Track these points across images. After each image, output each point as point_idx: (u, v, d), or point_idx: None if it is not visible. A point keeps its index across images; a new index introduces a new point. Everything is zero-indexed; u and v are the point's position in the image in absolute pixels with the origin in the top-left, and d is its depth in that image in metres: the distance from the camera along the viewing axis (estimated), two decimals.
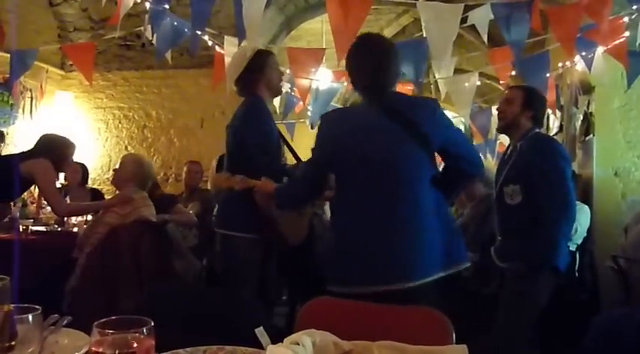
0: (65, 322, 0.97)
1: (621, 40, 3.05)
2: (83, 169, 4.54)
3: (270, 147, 2.32)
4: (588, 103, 4.21)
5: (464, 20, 2.92)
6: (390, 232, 1.72)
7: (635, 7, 2.94)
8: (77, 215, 3.40)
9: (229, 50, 3.33)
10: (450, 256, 1.76)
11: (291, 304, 3.45)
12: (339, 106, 5.83)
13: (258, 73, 2.40)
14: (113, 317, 0.72)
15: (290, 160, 2.72)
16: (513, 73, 3.89)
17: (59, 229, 3.59)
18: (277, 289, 3.17)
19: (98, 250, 2.57)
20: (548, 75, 3.67)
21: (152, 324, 0.72)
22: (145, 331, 0.72)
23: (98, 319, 0.73)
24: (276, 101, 4.82)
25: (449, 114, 2.54)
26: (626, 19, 3.03)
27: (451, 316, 1.20)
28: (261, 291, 2.43)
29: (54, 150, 3.05)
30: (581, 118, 4.34)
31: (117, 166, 3.05)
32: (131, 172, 2.84)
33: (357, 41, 1.91)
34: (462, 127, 5.36)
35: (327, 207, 3.61)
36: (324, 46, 5.52)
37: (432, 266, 1.72)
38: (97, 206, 3.21)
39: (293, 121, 5.54)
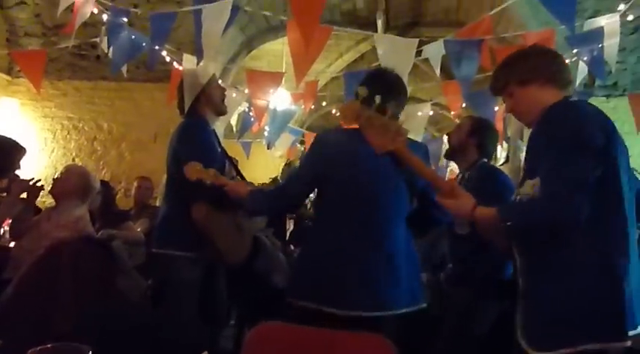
0: None
1: None
2: None
3: (211, 166, 2.26)
4: None
5: (419, 53, 3.04)
6: (364, 261, 1.77)
7: (575, 50, 3.15)
8: None
9: (187, 67, 3.31)
10: (413, 294, 1.83)
11: (239, 326, 3.39)
12: (297, 127, 5.87)
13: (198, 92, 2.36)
14: (49, 345, 0.69)
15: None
16: (464, 105, 4.06)
17: None
18: (225, 311, 3.11)
19: (36, 265, 2.44)
20: (497, 108, 3.85)
21: (90, 352, 0.70)
22: None
23: (31, 341, 0.70)
24: (233, 120, 4.81)
25: None
26: (567, 61, 3.24)
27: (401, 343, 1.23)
28: (207, 312, 2.37)
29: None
30: (526, 150, 4.55)
31: (57, 176, 2.86)
32: (74, 185, 2.70)
33: (371, 72, 1.98)
34: None
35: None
36: (284, 67, 5.58)
37: (399, 301, 1.78)
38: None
39: (249, 140, 5.53)
